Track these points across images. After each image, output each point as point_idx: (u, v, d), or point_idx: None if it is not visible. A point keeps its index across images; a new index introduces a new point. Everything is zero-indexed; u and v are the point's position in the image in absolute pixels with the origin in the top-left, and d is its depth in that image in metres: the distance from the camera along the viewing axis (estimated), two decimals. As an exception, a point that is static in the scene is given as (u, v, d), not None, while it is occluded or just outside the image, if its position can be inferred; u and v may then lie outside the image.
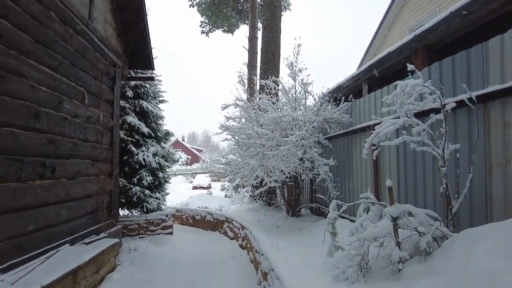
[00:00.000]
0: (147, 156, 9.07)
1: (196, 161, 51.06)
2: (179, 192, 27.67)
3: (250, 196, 10.33)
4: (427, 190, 4.25)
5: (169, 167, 9.93)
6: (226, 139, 9.00)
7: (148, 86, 9.98)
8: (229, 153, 8.45)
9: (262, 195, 10.11)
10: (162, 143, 10.25)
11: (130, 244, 7.31)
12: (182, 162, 53.53)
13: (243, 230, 7.04)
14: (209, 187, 29.15)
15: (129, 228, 8.41)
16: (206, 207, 11.85)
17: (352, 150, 6.39)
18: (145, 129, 9.24)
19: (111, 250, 5.66)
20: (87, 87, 5.88)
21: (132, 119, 8.97)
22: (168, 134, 10.33)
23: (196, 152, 58.93)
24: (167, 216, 8.95)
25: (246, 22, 19.95)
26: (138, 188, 8.62)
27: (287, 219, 8.15)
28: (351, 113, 6.40)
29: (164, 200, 9.67)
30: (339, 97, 7.11)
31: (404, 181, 4.76)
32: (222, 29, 21.87)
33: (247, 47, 16.42)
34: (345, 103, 6.59)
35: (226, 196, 15.91)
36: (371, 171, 5.63)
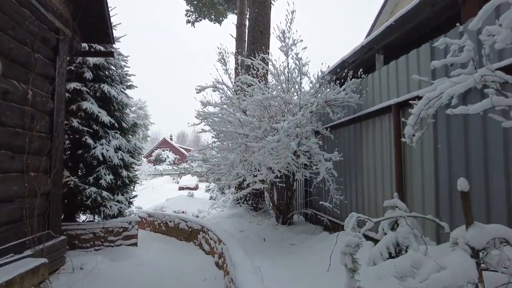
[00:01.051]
0: (107, 151, 7.46)
1: (185, 161, 49.27)
2: (163, 193, 25.96)
3: (234, 199, 8.77)
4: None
5: (136, 164, 8.31)
6: (203, 131, 7.45)
7: (114, 68, 8.36)
8: (206, 147, 6.90)
9: (247, 198, 8.59)
10: (129, 135, 8.63)
11: (77, 261, 5.70)
12: (169, 162, 51.69)
13: (219, 244, 5.49)
14: (196, 188, 27.61)
15: (81, 239, 6.78)
16: (183, 212, 10.26)
17: (362, 141, 4.92)
18: (106, 118, 7.63)
19: (30, 276, 4.05)
20: (2, 50, 4.27)
21: (89, 105, 7.34)
22: (136, 125, 8.72)
23: (185, 152, 57.10)
24: (130, 223, 7.34)
25: (235, 11, 18.44)
26: (94, 189, 6.99)
27: (276, 228, 6.63)
28: (361, 93, 4.92)
29: (130, 203, 8.06)
30: (342, 76, 5.61)
31: (447, 182, 3.29)
32: (209, 18, 20.30)
33: (235, 36, 14.94)
34: (353, 80, 5.10)
35: (211, 198, 14.34)
36: (390, 168, 4.15)
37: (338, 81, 5.67)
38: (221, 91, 6.83)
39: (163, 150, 51.09)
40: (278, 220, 7.13)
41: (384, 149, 4.32)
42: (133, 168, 8.42)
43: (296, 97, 5.74)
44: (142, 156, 8.50)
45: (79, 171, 7.33)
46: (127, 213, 7.93)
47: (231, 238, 5.24)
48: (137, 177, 8.85)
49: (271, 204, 7.52)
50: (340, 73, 6.19)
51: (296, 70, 5.67)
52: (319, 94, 5.49)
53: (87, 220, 7.52)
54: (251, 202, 8.60)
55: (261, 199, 8.75)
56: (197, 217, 8.45)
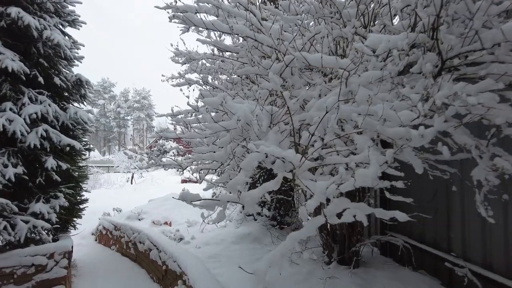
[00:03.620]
0: (10, 122, 4.05)
1: (190, 152, 46.05)
2: (163, 187, 22.57)
3: (244, 208, 5.35)
4: None
5: (79, 149, 4.87)
6: (188, 84, 4.01)
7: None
8: (186, 115, 3.45)
9: (265, 205, 5.11)
10: (68, 100, 5.22)
11: None
12: (173, 153, 48.56)
13: None
14: (199, 181, 24.28)
15: None
16: (166, 223, 6.85)
17: None
18: (15, 65, 4.22)
19: None
20: None
21: (-26, 36, 3.91)
22: (80, 83, 5.25)
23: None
24: (51, 257, 3.96)
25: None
26: (-26, 193, 3.60)
27: (334, 277, 3.18)
28: None
29: (61, 216, 4.67)
30: None
31: None
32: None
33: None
34: None
35: (214, 195, 10.91)
36: None
37: None
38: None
39: (167, 141, 48.08)
40: (331, 253, 3.67)
41: None
42: (73, 154, 5.00)
43: None
44: (91, 132, 4.92)
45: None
46: (47, 237, 4.54)
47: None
48: (83, 171, 5.45)
49: (309, 215, 4.01)
50: None
51: None
52: None
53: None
54: (272, 213, 5.16)
55: (288, 205, 5.31)
56: (181, 239, 5.04)
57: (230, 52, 2.40)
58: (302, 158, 1.41)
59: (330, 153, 1.62)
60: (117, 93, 63.77)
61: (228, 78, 3.80)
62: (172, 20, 2.40)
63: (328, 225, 3.79)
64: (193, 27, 2.93)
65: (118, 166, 29.05)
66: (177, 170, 4.44)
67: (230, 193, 2.87)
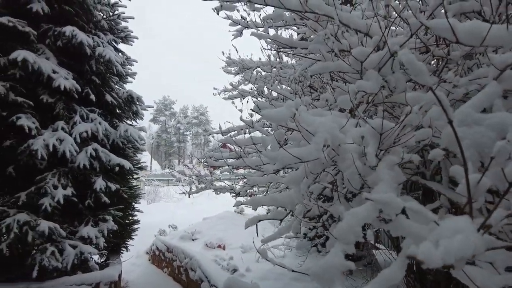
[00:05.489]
0: (61, 142, 3.92)
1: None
2: (219, 202, 22.52)
3: (308, 237, 4.52)
4: None
5: (129, 169, 4.63)
6: (241, 96, 3.52)
7: (93, 1, 4.88)
8: (239, 131, 2.92)
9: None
10: (119, 118, 5.07)
11: None
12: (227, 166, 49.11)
13: None
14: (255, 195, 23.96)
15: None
16: (219, 246, 6.38)
17: None
18: (67, 83, 4.12)
19: None
20: None
21: (30, 56, 3.87)
22: (132, 100, 5.09)
23: (244, 156, 54.64)
24: (95, 287, 3.67)
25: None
26: (22, 217, 3.45)
27: None
28: None
29: (109, 239, 4.42)
30: None
31: None
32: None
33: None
34: None
35: (268, 212, 10.30)
36: None
37: None
38: None
39: (222, 152, 48.95)
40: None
41: None
42: (124, 174, 4.78)
43: None
44: (142, 151, 4.68)
45: (7, 180, 3.87)
46: (94, 264, 4.28)
47: None
48: (135, 191, 5.22)
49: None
50: None
51: None
52: None
53: None
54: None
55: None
56: (235, 270, 4.47)
57: (293, 48, 1.83)
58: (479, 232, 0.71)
59: None
60: (177, 110, 67.10)
61: (288, 88, 3.23)
62: (219, 13, 1.90)
63: (415, 267, 2.96)
64: (244, 30, 2.43)
65: (177, 180, 30.02)
66: (231, 194, 3.94)
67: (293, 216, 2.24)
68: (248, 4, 1.59)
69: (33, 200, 3.66)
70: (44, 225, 3.52)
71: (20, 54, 3.83)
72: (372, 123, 1.00)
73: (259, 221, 1.66)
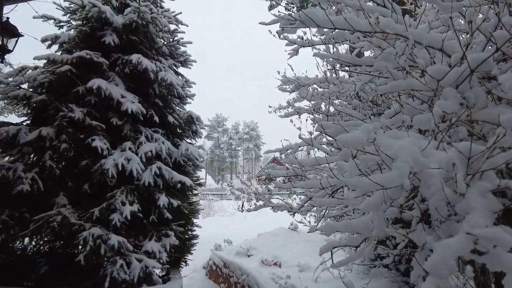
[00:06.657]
0: (128, 161, 4.20)
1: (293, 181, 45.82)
2: (272, 216, 22.46)
3: (377, 265, 4.22)
4: None
5: (190, 186, 4.82)
6: (298, 114, 3.50)
7: (155, 30, 5.26)
8: (296, 149, 2.88)
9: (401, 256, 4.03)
10: (181, 138, 5.31)
11: None
12: (280, 180, 48.97)
13: None
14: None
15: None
16: (275, 263, 6.29)
17: None
18: (134, 106, 4.46)
19: None
20: None
21: (102, 83, 4.28)
22: (192, 120, 5.32)
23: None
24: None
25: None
26: (96, 231, 3.74)
27: None
28: None
29: (171, 254, 4.57)
30: None
31: None
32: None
33: None
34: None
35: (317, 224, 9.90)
36: None
37: None
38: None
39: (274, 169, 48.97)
40: None
41: None
42: (185, 190, 4.98)
43: None
44: (201, 169, 4.86)
45: (82, 197, 4.23)
46: (157, 275, 4.45)
47: None
48: (194, 207, 5.40)
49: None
50: None
51: None
52: None
53: None
54: (405, 267, 4.04)
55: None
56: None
57: (357, 66, 1.77)
58: None
59: None
60: (229, 126, 69.07)
61: (344, 102, 3.14)
62: (281, 36, 1.92)
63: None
64: (300, 48, 2.42)
65: (230, 194, 30.63)
66: (288, 212, 3.88)
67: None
68: (317, 29, 1.58)
69: (104, 215, 3.96)
70: (114, 239, 3.77)
71: (95, 83, 4.26)
72: (459, 146, 0.91)
73: (334, 247, 1.59)
